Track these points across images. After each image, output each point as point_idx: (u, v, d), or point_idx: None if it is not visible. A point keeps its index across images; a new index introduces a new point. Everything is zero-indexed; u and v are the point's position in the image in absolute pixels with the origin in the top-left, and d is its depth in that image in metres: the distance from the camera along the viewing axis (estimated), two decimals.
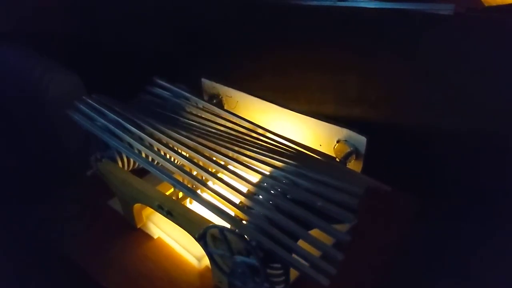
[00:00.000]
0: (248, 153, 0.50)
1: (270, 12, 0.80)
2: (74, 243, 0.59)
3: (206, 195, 0.46)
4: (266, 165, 0.48)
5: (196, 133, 0.55)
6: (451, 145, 0.70)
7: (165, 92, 0.65)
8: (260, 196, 0.44)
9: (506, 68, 0.60)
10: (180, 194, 0.58)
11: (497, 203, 0.67)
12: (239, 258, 0.41)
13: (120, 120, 0.56)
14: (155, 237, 0.59)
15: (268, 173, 0.47)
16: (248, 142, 0.54)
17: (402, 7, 0.68)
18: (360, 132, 0.55)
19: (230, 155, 0.51)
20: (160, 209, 0.50)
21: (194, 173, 0.50)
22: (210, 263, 0.48)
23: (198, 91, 0.70)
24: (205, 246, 0.45)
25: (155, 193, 0.51)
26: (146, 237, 0.59)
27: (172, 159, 0.52)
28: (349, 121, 0.57)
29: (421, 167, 0.73)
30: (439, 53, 0.65)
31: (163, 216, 0.51)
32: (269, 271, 0.41)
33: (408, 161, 0.73)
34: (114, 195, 0.62)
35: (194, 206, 0.60)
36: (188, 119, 0.59)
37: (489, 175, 0.68)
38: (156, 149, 0.53)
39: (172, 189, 0.59)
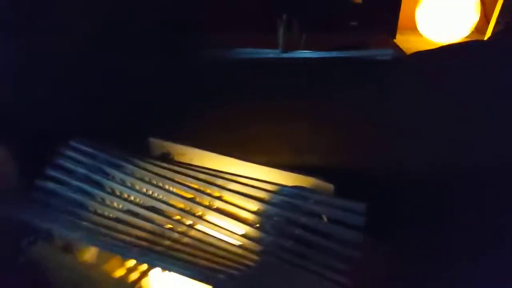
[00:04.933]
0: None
1: (214, 67, 0.79)
2: None
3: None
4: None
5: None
6: (416, 186, 0.70)
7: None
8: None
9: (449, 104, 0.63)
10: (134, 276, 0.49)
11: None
12: None
13: None
14: None
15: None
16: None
17: (343, 55, 0.71)
18: (326, 180, 0.53)
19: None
20: None
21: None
22: None
23: (146, 153, 0.64)
24: None
25: (104, 278, 0.43)
26: None
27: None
28: (313, 169, 0.55)
29: (391, 210, 0.72)
30: (384, 95, 0.68)
31: None
32: None
33: (376, 205, 0.72)
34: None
35: None
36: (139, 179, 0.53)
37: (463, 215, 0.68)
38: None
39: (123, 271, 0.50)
